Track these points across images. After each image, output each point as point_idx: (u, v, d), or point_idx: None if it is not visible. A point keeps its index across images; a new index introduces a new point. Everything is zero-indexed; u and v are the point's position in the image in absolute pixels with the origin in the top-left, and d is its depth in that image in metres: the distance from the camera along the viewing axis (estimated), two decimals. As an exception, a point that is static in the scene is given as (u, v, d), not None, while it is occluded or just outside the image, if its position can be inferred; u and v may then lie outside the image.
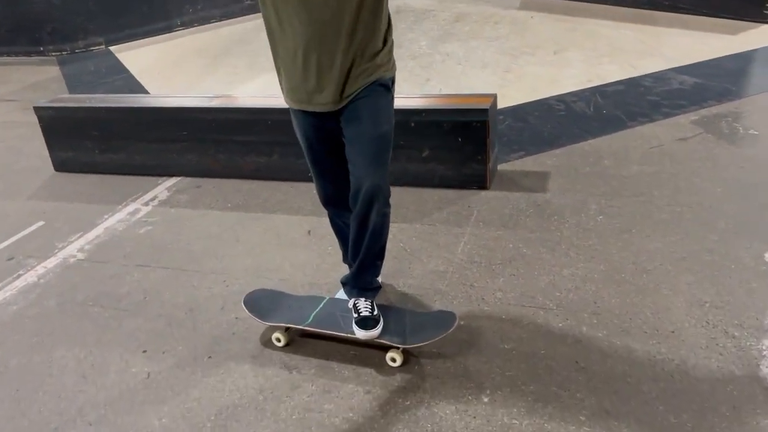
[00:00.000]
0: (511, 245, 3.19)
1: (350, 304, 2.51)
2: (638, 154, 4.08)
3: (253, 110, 4.11)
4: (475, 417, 2.17)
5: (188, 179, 4.41)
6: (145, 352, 2.67)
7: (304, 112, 2.33)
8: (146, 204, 4.10)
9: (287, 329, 2.58)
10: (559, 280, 2.87)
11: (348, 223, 2.60)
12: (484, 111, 3.62)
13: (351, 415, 2.23)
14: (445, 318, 2.50)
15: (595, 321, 2.59)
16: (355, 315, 2.45)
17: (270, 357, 2.55)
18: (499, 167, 4.03)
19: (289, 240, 3.46)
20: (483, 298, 2.79)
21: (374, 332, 2.39)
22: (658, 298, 2.68)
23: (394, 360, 2.41)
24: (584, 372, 2.32)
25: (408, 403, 2.26)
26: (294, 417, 2.26)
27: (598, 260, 2.99)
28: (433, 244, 3.26)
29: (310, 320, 2.54)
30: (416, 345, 2.38)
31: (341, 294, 2.75)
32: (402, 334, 2.42)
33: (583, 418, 2.12)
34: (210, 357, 2.60)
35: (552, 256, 3.06)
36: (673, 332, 2.49)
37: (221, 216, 3.82)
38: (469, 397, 2.26)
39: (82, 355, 2.70)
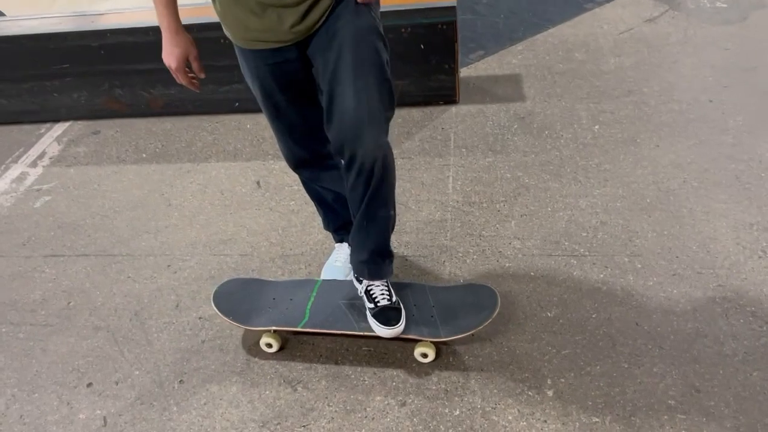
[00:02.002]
0: (508, 175, 2.70)
1: (361, 290, 1.96)
2: (610, 42, 3.62)
3: (154, 29, 3.22)
4: (546, 421, 1.75)
5: (81, 124, 3.53)
6: (90, 385, 2.03)
7: (257, 50, 1.65)
8: (34, 164, 3.23)
9: (276, 330, 2.01)
10: (579, 216, 2.43)
11: (328, 187, 2.01)
12: (451, 9, 2.98)
13: (392, 442, 1.75)
14: (479, 294, 2.01)
15: (639, 265, 2.19)
16: (370, 305, 1.91)
17: (261, 371, 1.99)
18: (462, 73, 3.45)
19: (236, 198, 2.78)
20: (500, 251, 2.32)
21: (399, 328, 1.88)
22: (698, 226, 2.31)
23: (425, 356, 1.93)
24: (651, 337, 1.93)
25: (458, 413, 1.80)
26: (318, 455, 1.75)
27: (613, 184, 2.56)
28: (416, 185, 2.71)
29: (306, 318, 1.97)
30: (454, 338, 1.89)
31: (332, 270, 2.18)
32: (432, 323, 1.92)
33: (672, 402, 1.75)
34: (181, 381, 2.00)
35: (560, 184, 2.60)
36: (730, 269, 2.14)
37: (138, 172, 3.05)
38: (530, 393, 1.82)
39: (2, 405, 2.01)
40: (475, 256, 2.31)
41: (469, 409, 1.80)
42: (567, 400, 1.80)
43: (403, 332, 1.89)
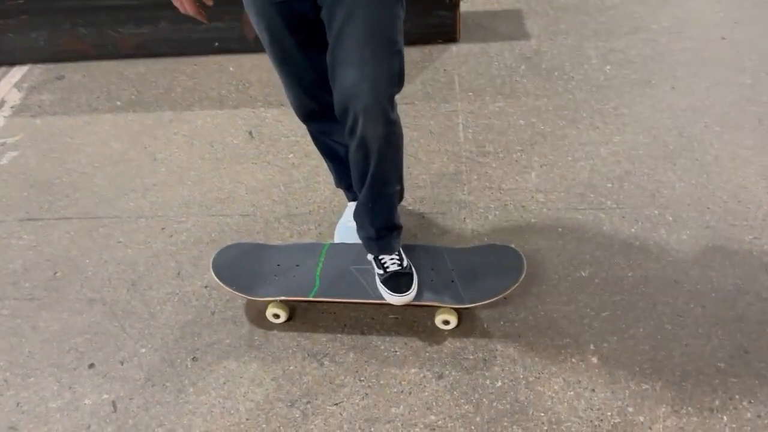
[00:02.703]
0: (521, 121, 2.54)
1: (370, 257, 1.82)
2: (611, -26, 3.42)
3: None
4: (594, 390, 1.66)
5: (41, 68, 3.19)
6: (92, 366, 1.85)
7: None
8: (-7, 115, 2.91)
9: (284, 299, 1.86)
10: (601, 165, 2.30)
11: (340, 141, 1.83)
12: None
13: (434, 418, 1.64)
14: (502, 255, 1.88)
15: (670, 218, 2.09)
16: (380, 271, 1.78)
17: (281, 344, 1.84)
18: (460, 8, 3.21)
19: (228, 150, 2.56)
20: (523, 206, 2.18)
21: (410, 295, 1.76)
22: (725, 174, 2.21)
23: (447, 323, 1.81)
24: (691, 296, 1.85)
25: (500, 384, 1.70)
26: (352, 433, 1.64)
27: (632, 129, 2.44)
28: (424, 133, 2.53)
29: (316, 285, 1.82)
30: (479, 304, 1.77)
31: (346, 231, 2.02)
32: (453, 288, 1.79)
33: (722, 365, 1.68)
34: (194, 359, 1.84)
35: (577, 131, 2.46)
36: (765, 219, 2.06)
37: (114, 122, 2.77)
38: (573, 360, 1.73)
39: (-4, 391, 1.83)
40: (497, 212, 2.17)
41: (511, 380, 1.70)
42: (613, 366, 1.71)
43: (422, 299, 1.76)
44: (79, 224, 2.30)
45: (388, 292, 1.76)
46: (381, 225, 1.75)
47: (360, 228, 1.79)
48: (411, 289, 1.76)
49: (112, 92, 2.96)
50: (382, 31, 1.41)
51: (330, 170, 2.02)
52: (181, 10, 1.52)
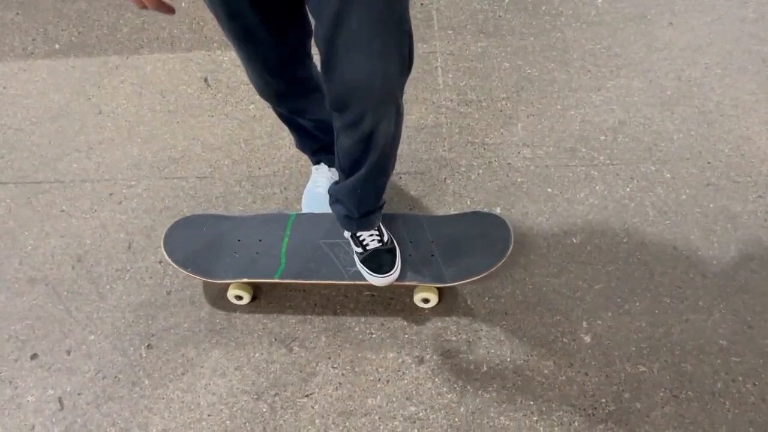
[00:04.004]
0: (506, 64, 2.31)
1: (346, 233, 1.63)
2: None
3: None
4: (587, 374, 1.53)
5: (-31, 5, 2.83)
6: (35, 357, 1.67)
7: None
8: None
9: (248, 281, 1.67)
10: (593, 114, 2.10)
11: (312, 117, 1.58)
12: None
13: (414, 409, 1.50)
14: (487, 225, 1.70)
15: (668, 175, 1.92)
16: (358, 249, 1.60)
17: (246, 327, 1.67)
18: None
19: (181, 101, 2.30)
20: (509, 164, 1.99)
21: (394, 274, 1.58)
22: (727, 123, 2.03)
23: (426, 301, 1.65)
24: (691, 264, 1.71)
25: (485, 369, 1.56)
26: (330, 432, 1.50)
27: (627, 73, 2.23)
28: (400, 79, 2.28)
29: (282, 265, 1.64)
30: (461, 282, 1.60)
31: (314, 198, 1.81)
32: (434, 264, 1.62)
33: (724, 343, 1.56)
34: (149, 346, 1.67)
35: (567, 75, 2.25)
36: (769, 176, 1.89)
37: (53, 68, 2.48)
38: (565, 340, 1.59)
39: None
40: (480, 171, 1.98)
41: (497, 364, 1.56)
42: (607, 346, 1.57)
43: (400, 278, 1.58)
44: (15, 190, 2.06)
45: (369, 272, 1.58)
46: (367, 209, 1.54)
47: (336, 203, 1.58)
48: (394, 269, 1.58)
49: (49, 32, 2.64)
50: (392, 10, 1.12)
51: (292, 135, 1.78)
52: (138, 6, 1.08)
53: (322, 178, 1.83)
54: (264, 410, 1.52)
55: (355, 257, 1.61)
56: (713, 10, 2.44)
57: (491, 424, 1.46)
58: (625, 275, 1.70)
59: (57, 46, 2.58)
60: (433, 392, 1.52)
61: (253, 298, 1.71)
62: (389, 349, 1.60)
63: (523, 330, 1.61)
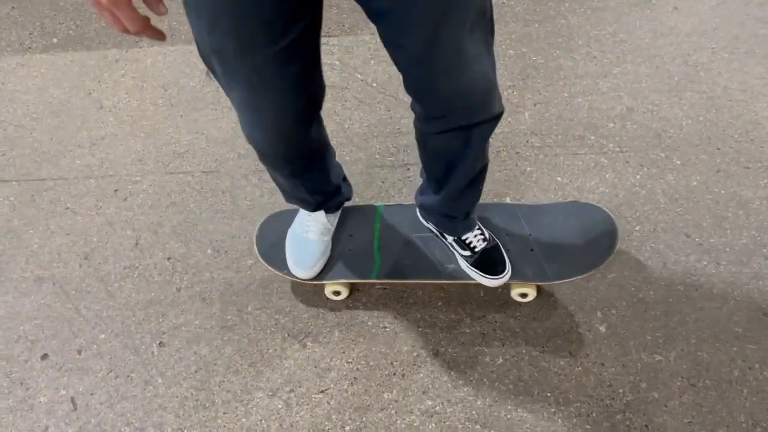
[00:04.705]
0: (511, 51, 2.28)
1: (450, 239, 1.58)
2: None
3: None
4: (603, 364, 1.53)
5: (-37, -1, 2.79)
6: (45, 357, 1.65)
7: None
8: None
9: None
10: (601, 101, 2.09)
11: (309, 183, 1.47)
12: None
13: (431, 403, 1.50)
14: (588, 216, 1.63)
15: (678, 162, 1.91)
16: (466, 253, 1.55)
17: (257, 323, 1.66)
18: None
19: (184, 94, 2.27)
20: (517, 152, 1.98)
21: (508, 273, 1.54)
22: (736, 108, 2.02)
23: (525, 296, 1.62)
24: (704, 251, 1.70)
25: (501, 361, 1.56)
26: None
27: (633, 59, 2.21)
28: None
29: (377, 263, 1.59)
30: (567, 280, 1.56)
31: (302, 245, 1.61)
32: (534, 259, 1.56)
33: (739, 330, 1.55)
34: (161, 344, 1.66)
35: (573, 62, 2.23)
36: (779, 161, 1.88)
37: (52, 63, 2.44)
38: (580, 331, 1.58)
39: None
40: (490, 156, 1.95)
41: (513, 356, 1.55)
42: (623, 336, 1.56)
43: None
44: (18, 188, 2.03)
45: (484, 275, 1.53)
46: (469, 207, 1.49)
47: (431, 213, 1.54)
48: (507, 267, 1.54)
49: (46, 27, 2.60)
50: (484, 11, 1.03)
51: (285, 191, 1.53)
52: (117, 29, 0.84)
53: (316, 224, 1.61)
54: (279, 407, 1.51)
55: (462, 261, 1.56)
56: (718, -7, 2.42)
57: (509, 416, 1.45)
58: (638, 264, 1.69)
59: (55, 40, 2.54)
60: (449, 385, 1.51)
61: (351, 291, 1.67)
62: (403, 343, 1.59)
63: (537, 321, 1.61)
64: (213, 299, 1.71)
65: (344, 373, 1.55)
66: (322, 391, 1.53)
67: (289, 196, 1.54)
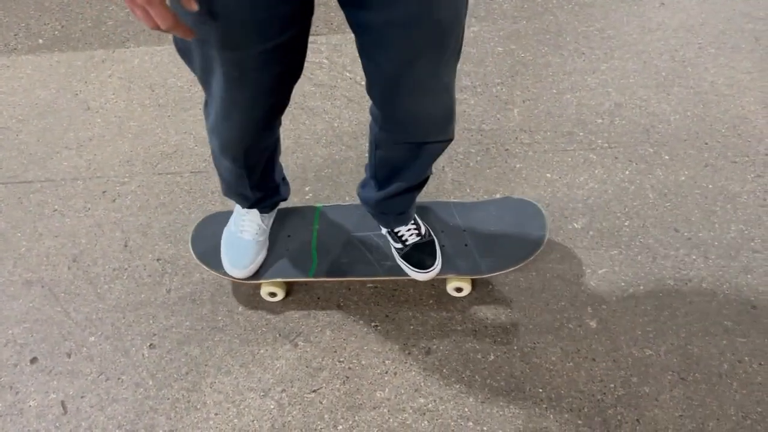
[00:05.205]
0: (500, 48, 2.29)
1: (384, 230, 1.61)
2: None
3: None
4: (594, 359, 1.53)
5: (-54, 1, 2.76)
6: (34, 360, 1.64)
7: None
8: None
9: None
10: (589, 98, 2.09)
11: (255, 178, 1.47)
12: None
13: (423, 401, 1.50)
14: (520, 211, 1.68)
15: (666, 157, 1.92)
16: (397, 245, 1.57)
17: (249, 324, 1.66)
18: None
19: (171, 95, 2.26)
20: (506, 149, 1.98)
21: (437, 268, 1.56)
22: (723, 103, 2.03)
23: (460, 290, 1.63)
24: (693, 245, 1.71)
25: (492, 357, 1.55)
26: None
27: (621, 54, 2.22)
28: (393, 66, 2.26)
29: (314, 262, 1.61)
30: (499, 273, 1.58)
31: (237, 244, 1.60)
32: (468, 254, 1.60)
33: (728, 324, 1.56)
34: (151, 346, 1.65)
35: (562, 59, 2.23)
36: (767, 155, 1.90)
37: (38, 64, 2.42)
38: (571, 326, 1.59)
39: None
40: (478, 158, 1.96)
41: (505, 352, 1.55)
42: (614, 331, 1.57)
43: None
44: (5, 191, 2.01)
45: (412, 268, 1.56)
46: (404, 208, 1.52)
47: (368, 205, 1.56)
48: (436, 262, 1.56)
49: (31, 27, 2.58)
50: (456, 44, 1.06)
51: (221, 182, 1.53)
52: (149, 25, 0.83)
53: (251, 224, 1.60)
54: (272, 407, 1.50)
55: (394, 252, 1.59)
56: (704, -11, 2.44)
57: (501, 413, 1.45)
58: (628, 259, 1.70)
59: (40, 41, 2.52)
60: (442, 383, 1.51)
61: (287, 293, 1.68)
62: (395, 341, 1.59)
63: (528, 317, 1.61)
64: (203, 300, 1.70)
65: (336, 372, 1.55)
66: (314, 391, 1.52)
67: (229, 190, 1.52)
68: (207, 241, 1.67)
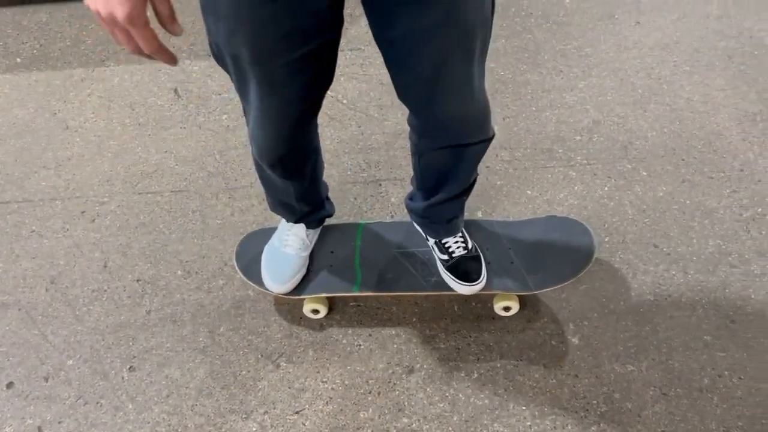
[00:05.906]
0: (479, 67, 2.30)
1: (431, 241, 1.61)
2: None
3: None
4: (577, 375, 1.54)
5: None
6: (11, 386, 1.61)
7: None
8: None
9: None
10: (568, 115, 2.12)
11: (299, 185, 1.46)
12: None
13: (407, 421, 1.49)
14: (566, 229, 1.66)
15: (644, 173, 1.94)
16: (444, 256, 1.57)
17: (230, 345, 1.64)
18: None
19: (152, 113, 2.25)
20: (488, 167, 2.00)
21: (481, 283, 1.55)
22: (699, 120, 2.07)
23: (508, 309, 1.63)
24: (672, 261, 1.73)
25: (476, 375, 1.55)
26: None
27: (598, 72, 2.25)
28: (374, 85, 2.28)
29: (359, 277, 1.59)
30: (548, 289, 1.58)
31: (279, 258, 1.60)
32: (514, 271, 1.58)
33: (708, 338, 1.58)
34: (131, 368, 1.62)
35: (540, 77, 2.26)
36: (742, 170, 1.93)
37: (16, 83, 2.40)
38: (553, 343, 1.59)
39: None
40: (460, 175, 1.96)
41: (488, 370, 1.55)
42: (596, 347, 1.58)
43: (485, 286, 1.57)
44: (-19, 212, 1.99)
45: (456, 280, 1.55)
46: (453, 215, 1.52)
47: (416, 217, 1.57)
48: (481, 276, 1.55)
49: (9, 46, 2.56)
50: (485, 44, 1.08)
51: (267, 196, 1.55)
52: (129, 48, 0.80)
53: (296, 238, 1.60)
54: (254, 429, 1.49)
55: (439, 265, 1.59)
56: (678, 7, 2.49)
57: (485, 431, 1.45)
58: (609, 275, 1.71)
59: (18, 59, 2.50)
60: (425, 402, 1.51)
61: (330, 310, 1.66)
62: (378, 360, 1.59)
63: (511, 335, 1.61)
64: (184, 321, 1.68)
65: (319, 393, 1.54)
66: (297, 412, 1.51)
67: (275, 203, 1.53)
68: (250, 257, 1.65)
